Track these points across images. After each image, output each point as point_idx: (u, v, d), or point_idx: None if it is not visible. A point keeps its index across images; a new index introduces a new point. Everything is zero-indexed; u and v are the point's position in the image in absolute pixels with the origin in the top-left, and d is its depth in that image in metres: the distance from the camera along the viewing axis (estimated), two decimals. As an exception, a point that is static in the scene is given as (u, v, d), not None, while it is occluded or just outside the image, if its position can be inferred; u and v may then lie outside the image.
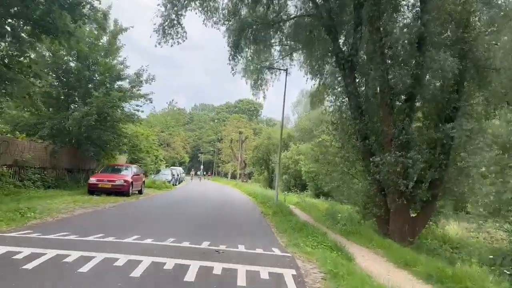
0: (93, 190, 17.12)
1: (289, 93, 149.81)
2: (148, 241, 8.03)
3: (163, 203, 17.90)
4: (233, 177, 78.80)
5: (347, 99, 13.85)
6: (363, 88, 13.98)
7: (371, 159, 12.07)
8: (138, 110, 22.18)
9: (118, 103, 19.91)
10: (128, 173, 18.80)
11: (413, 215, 12.73)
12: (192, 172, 53.99)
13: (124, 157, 29.33)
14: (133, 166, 20.05)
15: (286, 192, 36.94)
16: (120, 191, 17.58)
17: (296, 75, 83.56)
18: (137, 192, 20.12)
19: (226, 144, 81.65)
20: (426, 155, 11.57)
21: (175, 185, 34.35)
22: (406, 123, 11.69)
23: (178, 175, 39.18)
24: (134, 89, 22.05)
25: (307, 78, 17.82)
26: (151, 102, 22.42)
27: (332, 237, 10.36)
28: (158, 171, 33.05)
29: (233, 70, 16.18)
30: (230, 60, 15.99)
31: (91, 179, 17.65)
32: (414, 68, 11.45)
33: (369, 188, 13.00)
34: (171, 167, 45.57)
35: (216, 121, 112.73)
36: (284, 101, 20.62)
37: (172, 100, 61.67)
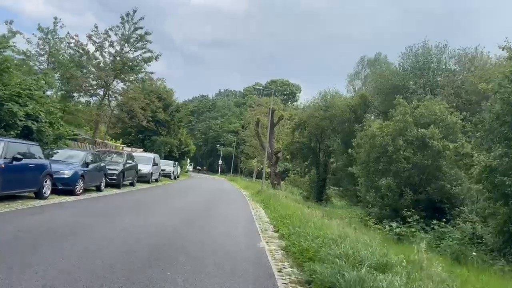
0: None
1: (339, 69, 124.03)
2: None
3: None
4: (259, 176, 54.44)
5: None
6: None
7: None
8: None
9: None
10: None
11: None
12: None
13: None
14: None
15: (392, 226, 12.58)
16: None
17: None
18: None
19: (251, 132, 57.72)
20: None
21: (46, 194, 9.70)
22: None
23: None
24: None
25: None
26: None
27: None
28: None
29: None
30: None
31: None
32: None
33: None
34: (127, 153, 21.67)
35: (242, 106, 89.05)
36: None
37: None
